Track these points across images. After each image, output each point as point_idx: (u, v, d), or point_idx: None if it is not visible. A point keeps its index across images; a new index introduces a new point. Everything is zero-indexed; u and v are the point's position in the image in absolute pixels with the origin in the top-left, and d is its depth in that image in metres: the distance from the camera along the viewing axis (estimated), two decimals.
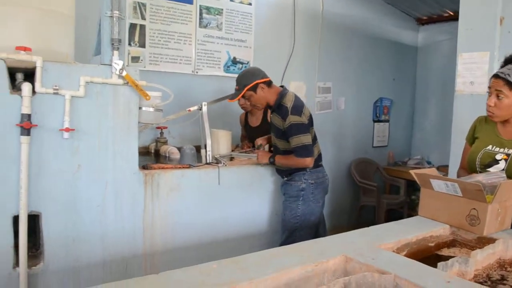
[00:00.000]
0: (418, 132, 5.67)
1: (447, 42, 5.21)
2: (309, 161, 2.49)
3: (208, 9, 3.60)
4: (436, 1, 4.76)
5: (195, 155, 2.52)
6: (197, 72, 3.61)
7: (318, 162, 2.67)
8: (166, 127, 3.32)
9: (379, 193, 4.67)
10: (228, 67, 3.80)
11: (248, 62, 3.91)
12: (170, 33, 3.43)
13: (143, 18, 3.28)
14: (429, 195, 1.94)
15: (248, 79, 2.49)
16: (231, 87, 3.86)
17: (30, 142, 1.89)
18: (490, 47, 2.78)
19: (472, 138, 2.22)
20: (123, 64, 2.04)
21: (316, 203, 2.62)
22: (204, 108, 2.73)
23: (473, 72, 2.86)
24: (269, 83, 2.54)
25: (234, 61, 3.83)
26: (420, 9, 5.13)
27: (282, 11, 4.13)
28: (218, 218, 2.57)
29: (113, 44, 2.02)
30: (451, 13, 5.02)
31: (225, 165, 2.57)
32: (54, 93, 1.93)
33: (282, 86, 2.58)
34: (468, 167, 2.13)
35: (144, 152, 3.37)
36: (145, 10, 3.28)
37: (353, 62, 4.85)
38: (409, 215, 4.95)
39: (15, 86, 1.91)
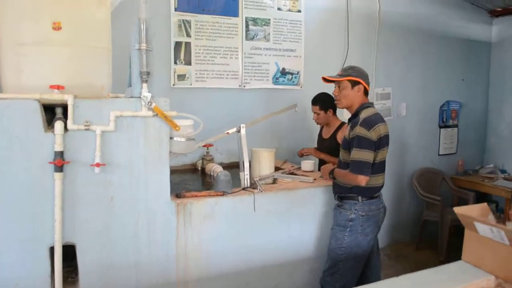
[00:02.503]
0: (492, 137, 5.16)
1: None
2: (361, 179, 2.29)
3: (254, 20, 3.53)
4: None
5: (230, 181, 2.47)
6: (244, 86, 3.56)
7: (374, 193, 2.46)
8: (211, 145, 3.32)
9: (443, 207, 4.32)
10: (277, 78, 3.70)
11: (298, 72, 3.78)
12: (216, 48, 3.41)
13: (188, 35, 3.29)
14: (474, 239, 1.74)
15: (357, 73, 2.44)
16: (281, 100, 3.78)
17: (64, 177, 1.96)
18: None
19: None
20: (152, 97, 2.04)
21: (364, 236, 2.45)
22: (243, 131, 2.67)
23: None
24: (366, 92, 2.48)
25: (283, 72, 3.72)
26: (493, 0, 4.63)
27: (334, 16, 3.94)
28: (255, 245, 2.51)
29: (142, 77, 2.02)
30: None
31: (261, 192, 2.50)
32: (86, 129, 1.98)
33: (371, 103, 2.53)
34: None
35: (191, 169, 3.41)
36: (190, 27, 3.28)
37: (416, 64, 4.51)
38: None
39: (53, 121, 1.99)
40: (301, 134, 3.94)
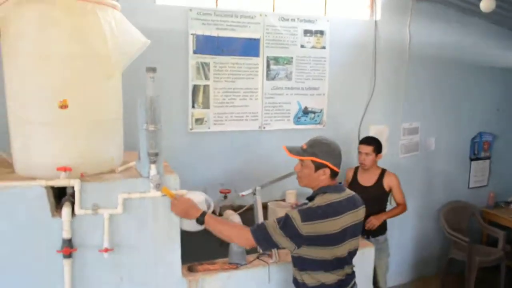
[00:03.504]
0: None
1: None
2: (247, 237, 1.92)
3: (276, 59, 3.38)
4: None
5: (244, 253, 2.36)
6: (264, 128, 3.43)
7: None
8: (229, 191, 3.21)
9: (471, 247, 4.11)
10: (299, 118, 3.56)
11: (321, 111, 3.62)
12: (235, 90, 3.28)
13: (207, 78, 3.17)
14: None
15: (323, 153, 1.95)
16: (302, 140, 3.60)
17: (73, 262, 1.90)
18: None
19: None
20: (161, 177, 1.94)
21: None
22: (258, 194, 2.54)
23: None
24: (334, 175, 2.01)
25: (306, 111, 3.57)
26: None
27: (361, 50, 3.74)
28: None
29: (150, 157, 1.92)
30: None
31: (276, 262, 2.38)
32: (93, 214, 1.90)
33: (340, 183, 2.14)
34: None
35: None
36: (208, 69, 3.16)
37: (447, 96, 4.27)
38: (509, 269, 4.34)
39: (61, 202, 1.92)
40: None
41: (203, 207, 2.18)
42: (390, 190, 3.38)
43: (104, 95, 2.02)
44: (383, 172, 3.39)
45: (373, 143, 3.31)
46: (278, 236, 1.87)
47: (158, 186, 1.95)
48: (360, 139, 3.68)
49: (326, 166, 1.95)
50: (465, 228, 4.47)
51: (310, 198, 2.01)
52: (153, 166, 1.93)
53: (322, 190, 1.98)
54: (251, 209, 3.28)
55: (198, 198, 2.18)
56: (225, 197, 3.23)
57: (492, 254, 4.18)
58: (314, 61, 3.52)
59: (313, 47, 3.49)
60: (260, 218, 2.50)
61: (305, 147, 2.00)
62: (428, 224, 4.45)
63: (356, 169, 3.49)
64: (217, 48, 3.16)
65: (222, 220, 2.05)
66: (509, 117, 4.74)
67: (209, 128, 3.24)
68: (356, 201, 2.07)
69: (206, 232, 2.83)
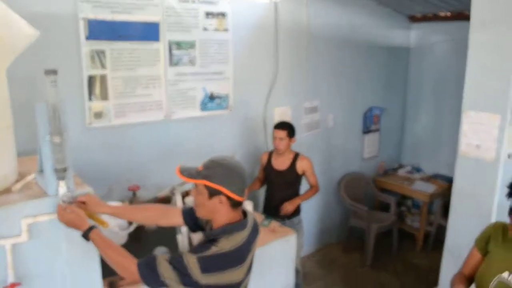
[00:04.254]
0: (409, 138, 5.40)
1: (443, 44, 4.84)
2: (131, 270, 1.55)
3: (178, 44, 3.15)
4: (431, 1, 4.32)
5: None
6: (170, 117, 3.22)
7: None
8: (138, 188, 2.98)
9: (369, 216, 4.46)
10: (205, 104, 3.40)
11: (227, 95, 3.51)
12: (137, 78, 3.00)
13: (104, 67, 2.83)
14: None
15: (218, 176, 1.58)
16: (210, 127, 3.51)
17: None
18: (501, 109, 2.46)
19: (484, 249, 1.97)
20: (73, 196, 1.68)
21: None
22: (177, 194, 2.38)
23: (480, 134, 2.55)
24: (235, 204, 1.63)
25: (212, 97, 3.43)
26: (414, 8, 4.69)
27: (263, 32, 3.68)
28: None
29: (57, 174, 1.64)
30: (448, 13, 4.60)
31: None
32: None
33: (245, 215, 1.73)
34: (476, 286, 1.90)
35: None
36: (104, 57, 2.82)
37: (342, 74, 4.46)
38: (400, 232, 4.82)
39: None
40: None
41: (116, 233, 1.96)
42: (304, 173, 3.45)
43: None
44: (296, 156, 3.43)
45: (287, 128, 3.34)
46: (169, 279, 1.51)
47: (70, 204, 1.69)
48: (268, 125, 3.69)
49: (220, 192, 1.57)
50: (362, 197, 4.82)
51: (213, 238, 1.60)
52: (62, 183, 1.66)
53: (228, 230, 1.60)
54: (164, 200, 3.12)
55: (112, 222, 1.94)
56: (134, 194, 3.00)
57: (386, 219, 4.57)
58: (218, 44, 3.37)
59: (215, 29, 3.33)
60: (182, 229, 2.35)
61: (200, 168, 1.62)
62: (330, 196, 4.70)
63: (271, 153, 3.49)
64: (112, 33, 2.83)
65: (110, 243, 1.61)
66: (394, 92, 5.14)
67: (110, 121, 2.93)
68: (256, 226, 1.77)
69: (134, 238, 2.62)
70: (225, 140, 3.62)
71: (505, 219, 2.64)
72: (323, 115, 4.38)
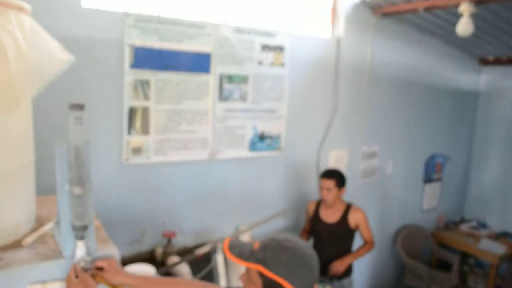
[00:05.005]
0: (474, 189, 4.82)
1: None
2: None
3: (230, 78, 2.87)
4: (504, 41, 3.86)
5: None
6: (215, 156, 2.91)
7: None
8: (174, 234, 2.66)
9: (430, 277, 3.90)
10: (255, 144, 3.07)
11: (279, 135, 3.17)
12: (181, 113, 2.72)
13: (147, 98, 2.58)
14: None
15: (278, 264, 1.20)
16: (259, 169, 3.16)
17: None
18: None
19: None
20: (92, 259, 1.36)
21: None
22: (219, 254, 2.01)
23: None
24: None
25: (262, 137, 3.10)
26: (486, 49, 4.24)
27: (322, 70, 3.35)
28: None
29: (76, 232, 1.33)
30: None
31: None
32: None
33: None
34: None
35: (148, 258, 2.70)
36: (148, 88, 2.57)
37: (404, 118, 4.04)
38: None
39: None
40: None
41: None
42: (357, 227, 3.02)
43: (3, 138, 1.39)
44: (348, 207, 3.02)
45: (335, 177, 2.94)
46: None
47: (89, 271, 1.37)
48: (321, 169, 3.31)
49: (280, 286, 1.18)
50: (419, 253, 4.30)
51: None
52: (80, 244, 1.34)
53: None
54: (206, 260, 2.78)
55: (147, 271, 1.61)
56: (169, 241, 2.67)
57: (448, 281, 4.01)
58: (272, 80, 3.06)
59: (271, 64, 3.03)
60: (222, 283, 1.98)
61: (256, 246, 1.25)
62: (384, 251, 4.20)
63: (319, 203, 3.09)
64: (159, 63, 2.58)
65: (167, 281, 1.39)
66: (459, 139, 4.64)
67: (148, 158, 2.65)
68: None
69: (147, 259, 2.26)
70: (272, 184, 3.26)
71: None
72: (381, 161, 3.94)
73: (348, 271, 3.02)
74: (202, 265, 2.37)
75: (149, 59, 2.54)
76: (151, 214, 2.74)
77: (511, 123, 4.45)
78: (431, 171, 4.43)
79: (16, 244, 1.45)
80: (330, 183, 2.91)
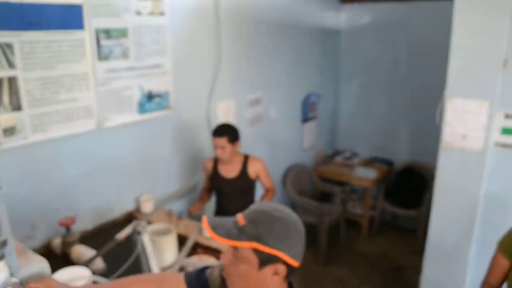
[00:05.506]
0: (343, 123, 5.27)
1: (373, 26, 4.73)
2: None
3: (107, 32, 2.50)
4: None
5: None
6: (102, 125, 2.57)
7: None
8: (73, 220, 2.34)
9: (319, 211, 4.22)
10: (143, 105, 2.81)
11: (167, 93, 2.94)
12: (58, 79, 2.31)
13: (12, 66, 2.10)
14: None
15: (273, 236, 1.09)
16: (151, 133, 2.91)
17: None
18: (489, 95, 2.29)
19: None
20: (22, 281, 1.08)
21: None
22: (144, 233, 1.81)
23: (466, 123, 2.37)
24: (291, 274, 1.15)
25: (150, 96, 2.84)
26: None
27: (202, 16, 3.14)
28: None
29: None
30: None
31: None
32: None
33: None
34: None
35: (45, 253, 2.33)
36: (12, 53, 2.09)
37: (281, 61, 4.10)
38: (349, 222, 4.69)
39: None
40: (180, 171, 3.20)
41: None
42: (257, 177, 3.04)
43: None
44: (246, 159, 2.99)
45: (226, 134, 2.79)
46: None
47: None
48: (212, 123, 3.21)
49: (278, 259, 1.09)
50: (306, 189, 4.59)
51: None
52: (0, 265, 1.04)
53: None
54: (102, 229, 2.52)
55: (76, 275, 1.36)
56: (68, 230, 2.35)
57: (334, 211, 4.36)
58: (154, 32, 2.78)
59: (150, 13, 2.73)
60: (152, 266, 1.80)
61: (242, 222, 1.11)
62: (276, 191, 4.36)
63: (216, 159, 2.98)
64: (21, 21, 2.11)
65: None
66: (328, 76, 4.93)
67: (26, 138, 2.22)
68: None
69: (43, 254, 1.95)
70: (166, 146, 3.07)
71: (492, 210, 2.60)
72: (265, 106, 3.99)
73: None
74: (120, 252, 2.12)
75: (6, 16, 2.05)
76: (39, 203, 2.35)
77: (368, 59, 4.86)
78: (307, 111, 4.66)
79: None
80: (222, 141, 2.77)
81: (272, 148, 4.21)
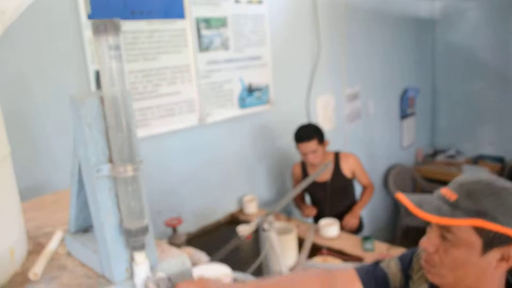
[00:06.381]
0: (442, 120, 4.76)
1: (472, 11, 4.25)
2: None
3: (207, 22, 2.34)
4: None
5: None
6: (205, 120, 2.40)
7: None
8: (179, 221, 2.17)
9: None
10: (244, 99, 2.61)
11: (267, 87, 2.73)
12: (160, 71, 2.17)
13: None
14: None
15: (501, 211, 0.83)
16: (251, 129, 2.72)
17: None
18: None
19: None
20: (166, 280, 0.86)
21: None
22: (272, 230, 1.58)
23: None
24: None
25: (250, 90, 2.64)
26: None
27: (300, 5, 2.92)
28: None
29: (130, 239, 0.82)
30: None
31: None
32: None
33: None
34: None
35: None
36: None
37: (377, 53, 3.76)
38: None
39: None
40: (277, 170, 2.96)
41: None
42: (353, 175, 2.71)
43: None
44: (337, 156, 2.67)
45: (314, 136, 2.47)
46: None
47: None
48: (311, 118, 2.93)
49: (508, 239, 0.83)
50: (410, 190, 4.17)
51: None
52: (140, 257, 0.83)
53: None
54: (205, 232, 2.34)
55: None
56: (175, 230, 2.18)
57: None
58: (252, 21, 2.58)
59: (249, 1, 2.54)
60: (283, 267, 1.55)
61: (453, 196, 0.86)
62: (375, 192, 3.99)
63: (303, 164, 2.69)
64: (124, 9, 1.99)
65: None
66: (423, 69, 4.49)
67: None
68: None
69: None
70: (267, 143, 2.84)
71: None
72: (363, 102, 3.66)
73: (361, 224, 2.73)
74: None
75: (111, 5, 1.94)
76: None
77: (469, 48, 4.37)
78: (406, 106, 4.26)
79: (20, 280, 0.91)
80: (312, 145, 2.45)
81: (371, 146, 3.86)
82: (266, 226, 1.53)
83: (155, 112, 2.18)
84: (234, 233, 2.29)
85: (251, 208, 2.59)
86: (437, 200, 0.87)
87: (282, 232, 1.92)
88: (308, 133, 2.48)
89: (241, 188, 2.68)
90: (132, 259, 0.85)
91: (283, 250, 1.83)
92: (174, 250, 0.99)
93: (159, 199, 2.27)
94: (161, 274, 0.85)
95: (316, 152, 2.47)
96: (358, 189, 2.81)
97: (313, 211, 2.61)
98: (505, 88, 4.20)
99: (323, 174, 2.59)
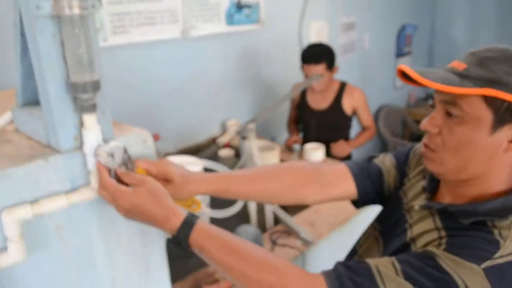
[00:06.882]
0: (438, 62, 4.60)
1: None
2: None
3: None
4: None
5: (260, 238, 1.32)
6: (188, 34, 2.23)
7: None
8: (157, 138, 2.06)
9: None
10: (232, 15, 2.42)
11: (257, 3, 2.53)
12: None
13: None
14: None
15: (510, 79, 0.70)
16: (238, 48, 2.54)
17: None
18: None
19: None
20: (120, 147, 0.75)
21: None
22: (251, 137, 1.47)
23: None
24: None
25: (239, 5, 2.44)
26: None
27: None
28: None
29: (81, 98, 0.69)
30: None
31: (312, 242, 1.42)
32: None
33: None
34: None
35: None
36: None
37: None
38: None
39: None
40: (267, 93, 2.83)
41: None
42: (354, 112, 2.49)
43: None
44: (342, 88, 2.44)
45: (324, 59, 2.22)
46: None
47: (120, 165, 0.75)
48: (303, 44, 2.66)
49: None
50: (397, 132, 4.10)
51: (481, 221, 0.73)
52: (90, 120, 0.71)
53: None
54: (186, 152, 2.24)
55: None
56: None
57: None
58: None
59: None
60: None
61: (461, 66, 0.74)
62: None
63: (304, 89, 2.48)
64: None
65: (239, 246, 0.73)
66: (421, 4, 4.24)
67: (105, 40, 1.92)
68: None
69: None
70: (255, 65, 2.69)
71: None
72: (359, 34, 3.48)
73: (349, 159, 2.55)
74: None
75: None
76: (119, 113, 2.07)
77: None
78: (402, 44, 4.09)
79: None
80: (320, 69, 2.22)
81: (363, 83, 3.69)
82: (245, 133, 1.41)
83: (134, 18, 2.00)
84: (215, 158, 2.19)
85: (232, 131, 2.47)
86: (443, 71, 0.75)
87: (264, 149, 1.82)
88: (318, 54, 2.23)
89: (224, 112, 2.55)
90: (82, 125, 0.72)
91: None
92: (135, 128, 0.87)
93: (139, 112, 2.14)
94: (116, 143, 0.73)
95: (322, 77, 2.25)
96: (353, 133, 2.63)
97: (294, 141, 2.42)
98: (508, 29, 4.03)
99: (321, 102, 2.45)
